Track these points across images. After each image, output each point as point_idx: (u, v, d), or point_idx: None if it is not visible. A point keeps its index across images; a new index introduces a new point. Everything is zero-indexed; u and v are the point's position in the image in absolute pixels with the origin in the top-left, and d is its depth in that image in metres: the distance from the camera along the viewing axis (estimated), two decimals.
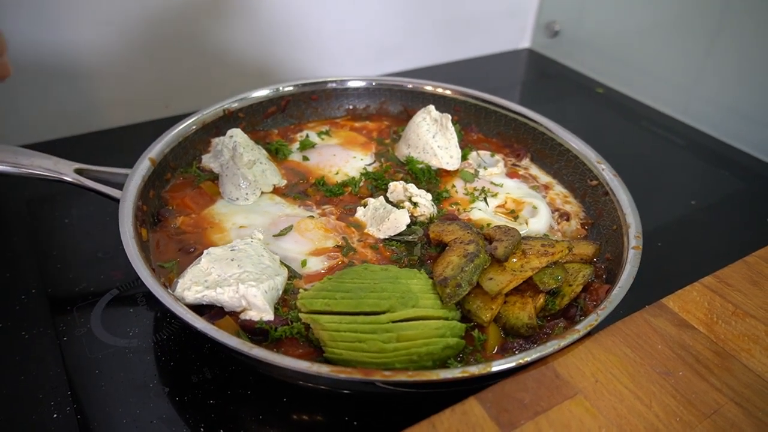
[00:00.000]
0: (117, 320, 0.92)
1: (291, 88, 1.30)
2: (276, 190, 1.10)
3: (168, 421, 0.78)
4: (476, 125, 1.34)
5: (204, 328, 0.73)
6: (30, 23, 1.25)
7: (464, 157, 1.22)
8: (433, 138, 1.18)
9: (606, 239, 1.02)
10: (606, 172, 1.09)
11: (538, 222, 1.06)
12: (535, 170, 1.23)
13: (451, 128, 1.19)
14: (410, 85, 1.37)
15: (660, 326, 0.80)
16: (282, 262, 0.91)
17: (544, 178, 1.21)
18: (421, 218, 1.04)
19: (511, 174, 1.20)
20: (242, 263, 0.84)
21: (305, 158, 1.21)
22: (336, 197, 1.10)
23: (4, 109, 1.31)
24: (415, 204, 1.04)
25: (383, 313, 0.78)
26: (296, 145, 1.25)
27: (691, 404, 0.70)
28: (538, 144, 1.25)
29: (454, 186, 1.15)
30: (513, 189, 1.15)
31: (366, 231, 1.01)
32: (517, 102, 1.30)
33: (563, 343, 0.73)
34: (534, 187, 1.17)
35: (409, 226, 1.00)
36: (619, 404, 0.69)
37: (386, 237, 1.00)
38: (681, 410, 0.69)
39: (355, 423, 0.79)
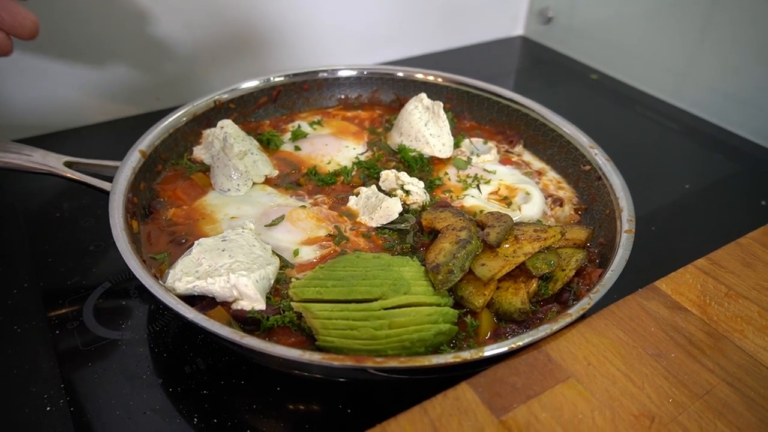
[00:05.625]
0: (109, 313, 0.92)
1: (282, 79, 1.30)
2: (268, 181, 1.10)
3: (161, 411, 0.78)
4: (468, 113, 1.33)
5: (195, 319, 0.72)
6: None
7: (457, 145, 1.21)
8: (425, 126, 1.17)
9: (599, 224, 1.01)
10: (599, 157, 1.08)
11: (531, 208, 1.05)
12: (528, 156, 1.23)
13: (443, 116, 1.19)
14: (401, 74, 1.36)
15: (653, 309, 0.80)
16: (274, 252, 0.91)
17: (537, 164, 1.21)
18: (414, 206, 1.03)
19: (504, 160, 1.20)
20: (233, 253, 0.83)
21: (297, 148, 1.20)
22: (328, 186, 1.10)
23: None
24: (407, 192, 1.04)
25: (375, 300, 0.77)
26: (288, 135, 1.24)
27: (684, 385, 0.70)
28: (530, 130, 1.24)
29: (446, 173, 1.14)
30: (506, 175, 1.15)
31: (358, 220, 1.01)
32: (511, 89, 1.29)
33: (555, 327, 0.73)
34: (527, 174, 1.17)
35: (401, 214, 1.00)
36: (612, 387, 0.69)
37: (379, 225, 0.99)
38: (673, 391, 0.69)
39: (348, 411, 0.79)
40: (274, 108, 1.31)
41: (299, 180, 1.11)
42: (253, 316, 0.79)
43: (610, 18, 1.78)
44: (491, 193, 1.10)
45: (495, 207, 1.06)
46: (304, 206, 1.03)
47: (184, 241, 0.94)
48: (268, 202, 1.04)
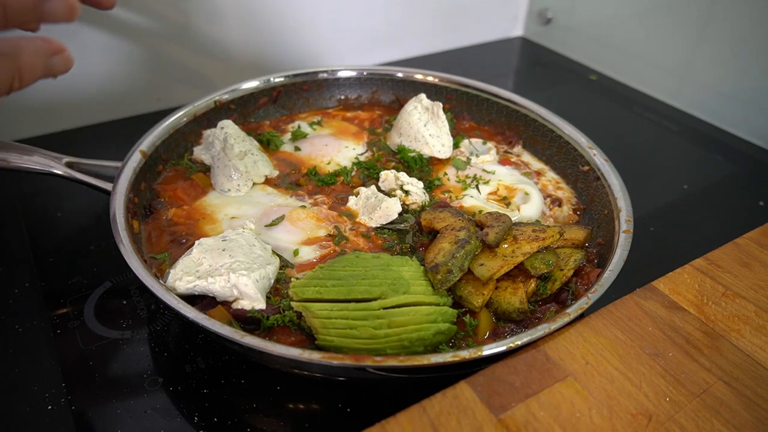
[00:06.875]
0: (110, 312, 0.92)
1: (282, 79, 1.30)
2: (268, 181, 1.10)
3: (162, 411, 0.78)
4: (468, 113, 1.33)
5: (196, 318, 0.73)
6: None
7: (456, 145, 1.22)
8: (424, 126, 1.18)
9: (598, 224, 1.02)
10: (597, 157, 1.09)
11: (530, 208, 1.06)
12: (527, 157, 1.23)
13: (443, 116, 1.19)
14: (401, 74, 1.36)
15: (650, 308, 0.80)
16: (274, 252, 0.91)
17: (536, 164, 1.21)
18: (413, 206, 1.04)
19: (504, 161, 1.20)
20: (233, 253, 0.84)
21: (297, 149, 1.20)
22: (328, 187, 1.10)
23: None
24: (406, 192, 1.04)
25: (375, 299, 0.78)
26: (288, 135, 1.25)
27: (681, 384, 0.70)
28: (529, 131, 1.25)
29: (446, 174, 1.15)
30: (505, 176, 1.15)
31: (358, 220, 1.02)
32: (510, 90, 1.30)
33: (554, 326, 0.74)
34: (526, 174, 1.17)
35: (400, 214, 1.00)
36: (610, 385, 0.69)
37: (378, 225, 1.00)
38: (671, 390, 0.69)
39: (348, 410, 0.79)
40: (274, 108, 1.32)
41: (299, 180, 1.12)
42: (253, 315, 0.80)
43: (609, 19, 1.78)
44: (490, 194, 1.10)
45: (494, 207, 1.06)
46: (304, 206, 1.03)
47: (184, 241, 0.94)
48: (268, 203, 1.04)
